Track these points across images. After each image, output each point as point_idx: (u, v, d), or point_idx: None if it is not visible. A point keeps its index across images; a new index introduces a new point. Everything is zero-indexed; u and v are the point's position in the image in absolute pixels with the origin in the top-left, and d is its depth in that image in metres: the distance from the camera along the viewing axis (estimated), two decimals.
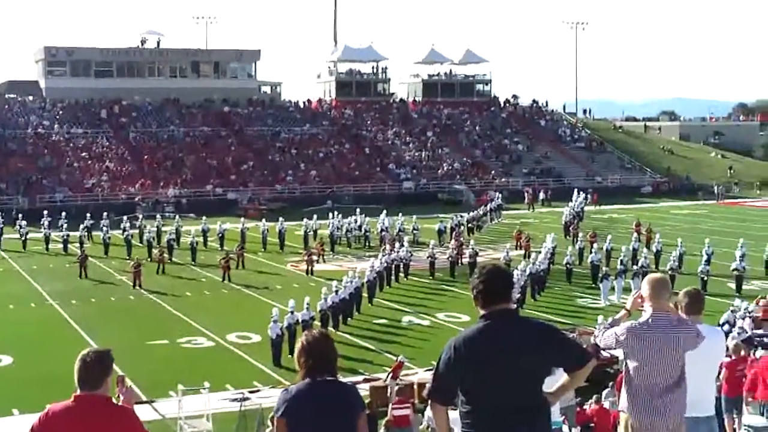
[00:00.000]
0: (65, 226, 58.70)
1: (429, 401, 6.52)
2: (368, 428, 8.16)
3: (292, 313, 33.08)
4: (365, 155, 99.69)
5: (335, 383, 6.40)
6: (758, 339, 30.97)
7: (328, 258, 53.71)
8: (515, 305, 35.71)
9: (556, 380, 6.50)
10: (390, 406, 22.57)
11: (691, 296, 8.55)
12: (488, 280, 6.26)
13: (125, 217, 61.20)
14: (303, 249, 53.67)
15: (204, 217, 62.19)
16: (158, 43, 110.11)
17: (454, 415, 6.44)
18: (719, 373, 17.59)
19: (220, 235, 57.77)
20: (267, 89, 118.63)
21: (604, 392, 22.95)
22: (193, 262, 52.40)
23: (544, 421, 6.35)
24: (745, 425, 15.69)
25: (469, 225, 64.49)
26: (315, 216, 62.35)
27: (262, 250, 56.90)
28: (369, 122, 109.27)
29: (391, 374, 26.72)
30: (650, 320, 7.82)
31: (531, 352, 6.14)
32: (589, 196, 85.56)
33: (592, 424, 20.48)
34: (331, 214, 62.32)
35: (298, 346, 6.44)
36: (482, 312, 6.27)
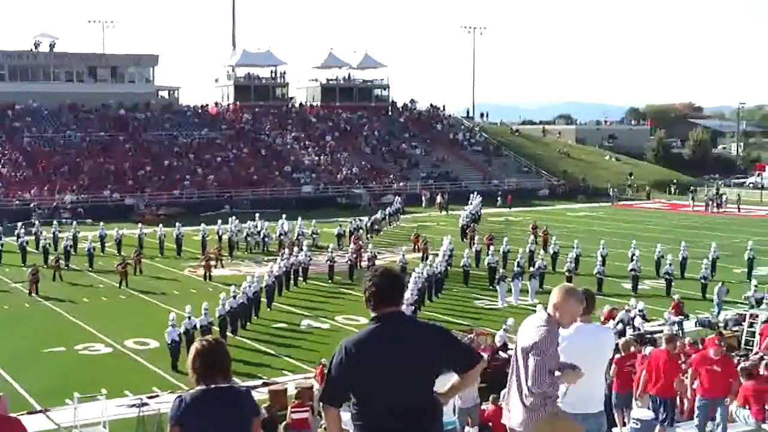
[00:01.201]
0: None
1: (321, 403, 6.54)
2: None
3: (189, 318, 32.94)
4: (264, 160, 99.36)
5: (229, 389, 6.34)
6: (649, 336, 31.72)
7: (227, 263, 53.49)
8: (413, 307, 36.05)
9: (447, 381, 6.57)
10: (289, 409, 22.61)
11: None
12: (379, 283, 6.32)
13: (20, 224, 60.02)
14: (201, 254, 53.38)
15: (101, 223, 61.44)
16: (51, 46, 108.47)
17: (348, 416, 6.48)
18: (613, 371, 18.12)
19: (118, 240, 57.17)
20: (165, 94, 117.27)
21: (502, 392, 23.21)
22: (90, 268, 51.74)
23: (436, 421, 6.41)
24: (633, 419, 16.09)
25: (368, 229, 64.68)
26: (219, 221, 61.81)
27: (160, 255, 56.40)
28: (267, 126, 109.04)
29: (319, 379, 26.63)
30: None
31: (421, 354, 6.20)
32: (499, 198, 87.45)
33: (490, 424, 20.63)
34: (229, 219, 61.95)
35: (190, 353, 6.38)
36: (373, 314, 6.33)
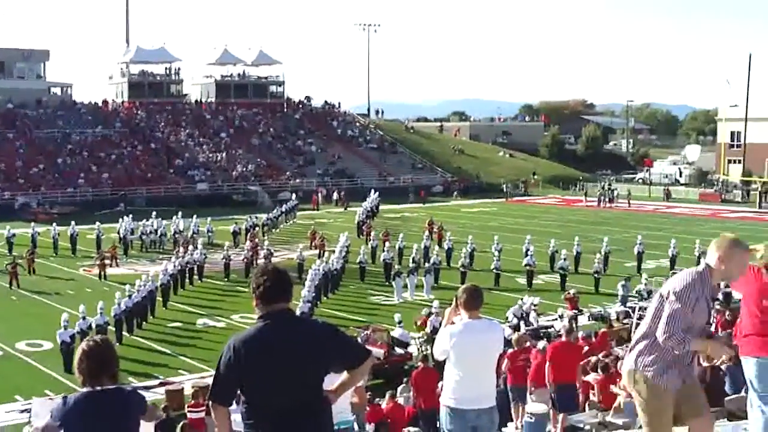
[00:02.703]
0: None
1: (210, 403, 6.50)
2: None
3: (84, 318, 32.60)
4: (158, 157, 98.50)
5: (115, 391, 6.25)
6: (543, 330, 32.29)
7: (122, 262, 52.95)
8: (309, 304, 36.19)
9: (336, 378, 6.59)
10: (186, 408, 22.54)
11: (469, 292, 8.96)
12: (266, 281, 6.32)
13: None
14: (96, 253, 52.69)
15: None
16: None
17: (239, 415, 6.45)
18: (504, 365, 18.52)
19: (9, 240, 56.23)
20: (57, 90, 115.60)
21: (399, 388, 23.43)
22: None
23: (326, 419, 6.45)
24: (528, 413, 16.39)
25: (265, 226, 64.54)
26: (120, 219, 60.91)
27: (54, 254, 55.62)
28: (162, 124, 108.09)
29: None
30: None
31: (309, 351, 6.22)
32: (411, 194, 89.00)
33: (388, 420, 20.71)
34: (124, 217, 61.28)
35: (77, 353, 6.27)
36: (261, 312, 6.34)
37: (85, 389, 6.22)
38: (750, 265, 8.00)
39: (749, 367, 8.15)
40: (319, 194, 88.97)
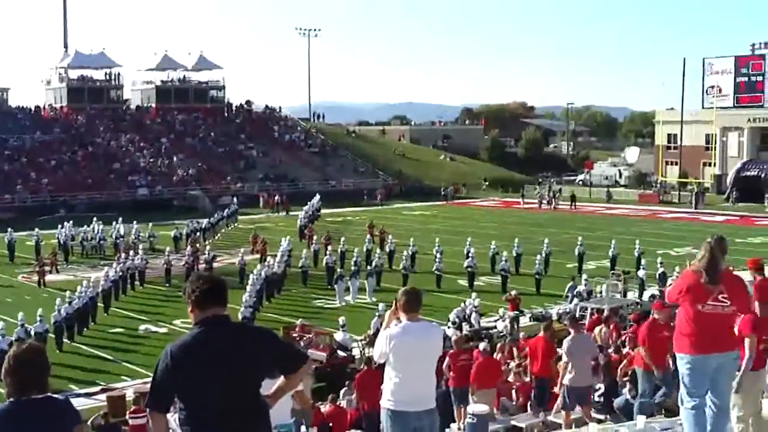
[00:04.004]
0: None
1: (148, 410, 6.41)
2: None
3: (22, 325, 32.27)
4: (98, 162, 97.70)
5: (44, 401, 5.98)
6: (485, 331, 32.54)
7: (62, 268, 52.50)
8: (251, 309, 36.17)
9: (273, 383, 6.61)
10: (128, 415, 22.42)
11: (408, 295, 9.05)
12: (201, 287, 6.36)
13: None
14: (35, 260, 52.20)
15: None
16: None
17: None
18: (445, 366, 18.76)
19: None
20: None
21: (342, 391, 23.45)
22: None
23: (264, 424, 6.47)
24: (469, 413, 16.52)
25: (206, 231, 64.22)
26: (60, 225, 60.33)
27: None
28: (102, 129, 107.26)
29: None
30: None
31: (247, 357, 6.24)
32: (366, 196, 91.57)
33: (330, 424, 20.67)
34: (64, 223, 60.69)
35: (5, 361, 6.01)
36: (197, 318, 6.35)
37: (11, 399, 5.98)
38: (689, 269, 8.41)
39: (680, 363, 8.54)
40: (261, 198, 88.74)
